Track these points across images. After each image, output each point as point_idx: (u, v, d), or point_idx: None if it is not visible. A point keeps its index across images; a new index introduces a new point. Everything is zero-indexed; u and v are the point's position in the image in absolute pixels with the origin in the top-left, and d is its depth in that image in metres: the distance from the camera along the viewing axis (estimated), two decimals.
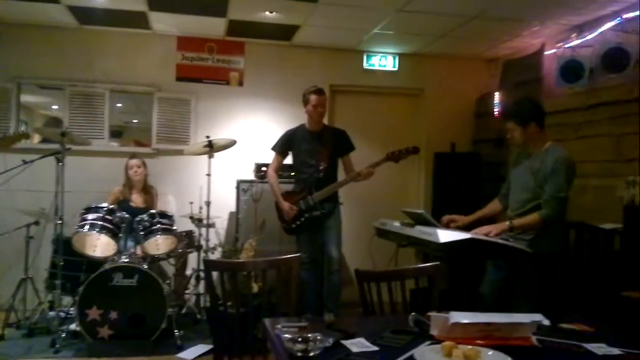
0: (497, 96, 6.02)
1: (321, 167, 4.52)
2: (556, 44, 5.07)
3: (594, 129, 4.63)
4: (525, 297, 3.27)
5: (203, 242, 4.99)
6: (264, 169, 5.12)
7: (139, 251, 4.58)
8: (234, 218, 5.43)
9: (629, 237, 3.94)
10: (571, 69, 4.67)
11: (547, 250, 3.27)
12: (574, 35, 4.88)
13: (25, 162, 4.53)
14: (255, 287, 3.63)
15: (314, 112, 4.53)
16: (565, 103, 4.90)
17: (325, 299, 4.63)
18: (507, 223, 3.27)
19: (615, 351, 1.88)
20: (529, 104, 3.48)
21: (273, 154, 4.78)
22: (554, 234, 3.33)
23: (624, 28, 4.31)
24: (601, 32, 4.57)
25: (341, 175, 4.70)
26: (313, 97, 4.49)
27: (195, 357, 4.12)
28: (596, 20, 4.69)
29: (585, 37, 4.75)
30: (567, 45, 4.87)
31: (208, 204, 4.92)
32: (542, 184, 3.26)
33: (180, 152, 5.55)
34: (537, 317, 1.96)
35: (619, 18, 4.38)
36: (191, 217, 5.08)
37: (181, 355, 4.13)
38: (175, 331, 4.32)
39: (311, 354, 1.69)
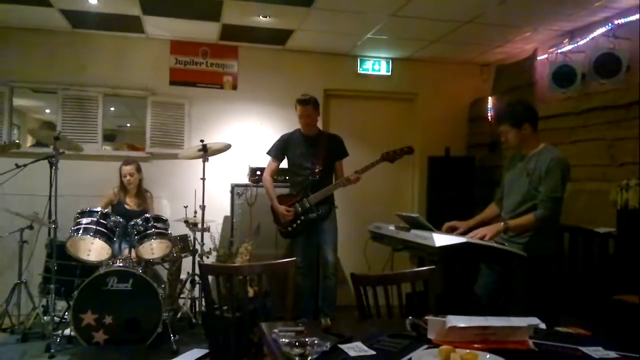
0: (490, 101, 6.06)
1: (317, 170, 4.54)
2: (548, 49, 5.12)
3: (586, 134, 4.67)
4: (520, 299, 3.28)
5: (198, 246, 4.98)
6: (258, 173, 5.12)
7: (133, 255, 4.57)
8: (229, 222, 5.42)
9: (623, 241, 3.97)
10: (563, 74, 4.70)
11: (542, 252, 3.29)
12: (566, 40, 4.92)
13: (18, 166, 4.51)
14: (251, 292, 3.62)
15: (301, 121, 4.60)
16: (558, 108, 4.94)
17: (320, 303, 4.63)
18: (502, 224, 3.29)
19: (612, 354, 1.89)
20: (522, 106, 3.53)
21: (268, 158, 4.79)
22: (549, 236, 3.35)
23: (615, 34, 4.35)
24: (593, 38, 4.62)
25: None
26: (298, 108, 4.56)
27: None
28: (587, 26, 4.73)
29: (577, 42, 4.80)
30: (559, 51, 4.91)
31: (203, 208, 4.91)
32: (536, 185, 3.28)
33: (174, 156, 5.55)
34: (534, 320, 1.97)
35: (610, 24, 4.43)
36: (186, 221, 5.06)
37: (177, 359, 4.11)
38: (171, 335, 4.30)
39: (309, 358, 1.69)
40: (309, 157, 4.59)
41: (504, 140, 3.49)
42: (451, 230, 3.51)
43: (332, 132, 5.02)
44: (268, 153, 4.80)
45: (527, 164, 3.39)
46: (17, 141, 5.47)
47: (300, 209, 4.52)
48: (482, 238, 3.18)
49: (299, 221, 4.53)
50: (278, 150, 4.75)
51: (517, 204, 3.39)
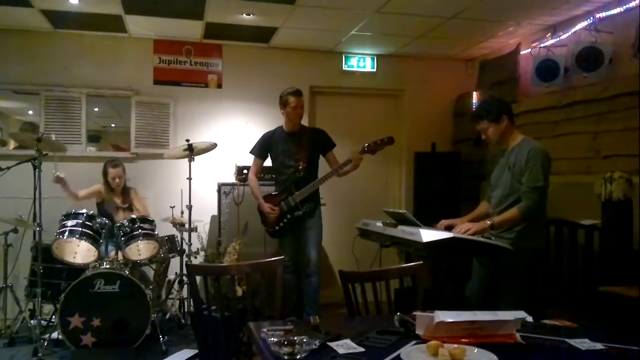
0: (475, 96, 6.09)
1: (300, 167, 4.51)
2: (531, 43, 5.15)
3: (570, 127, 4.71)
4: (508, 294, 3.30)
5: (185, 247, 4.95)
6: (245, 171, 5.10)
7: (120, 257, 4.53)
8: (216, 221, 5.40)
9: (607, 233, 4.01)
10: (547, 68, 4.74)
11: (529, 246, 3.31)
12: (549, 35, 4.96)
13: (1, 169, 4.46)
14: (239, 291, 3.61)
15: (293, 113, 4.52)
16: (542, 102, 4.98)
17: (304, 301, 4.61)
18: (488, 222, 3.29)
19: (599, 346, 1.91)
20: (496, 100, 3.60)
21: (252, 157, 4.77)
22: (536, 230, 3.36)
23: (597, 27, 4.40)
24: (575, 32, 4.66)
25: (324, 173, 4.67)
26: (292, 99, 4.48)
27: None
28: (570, 20, 4.77)
29: (559, 36, 4.84)
30: (542, 45, 4.95)
31: (189, 207, 4.88)
32: (519, 178, 3.30)
33: (160, 156, 5.50)
34: (521, 314, 1.99)
35: (592, 18, 4.47)
36: (173, 222, 5.04)
37: None
38: (160, 337, 4.28)
39: (298, 357, 1.69)
40: (292, 155, 4.56)
41: (484, 137, 3.51)
42: (448, 228, 3.51)
43: (316, 127, 4.99)
44: (251, 152, 4.76)
45: (508, 158, 3.42)
46: (2, 138, 5.42)
47: (285, 207, 4.50)
48: (466, 232, 3.19)
49: (285, 220, 4.51)
50: (261, 149, 4.72)
51: (503, 198, 3.41)
